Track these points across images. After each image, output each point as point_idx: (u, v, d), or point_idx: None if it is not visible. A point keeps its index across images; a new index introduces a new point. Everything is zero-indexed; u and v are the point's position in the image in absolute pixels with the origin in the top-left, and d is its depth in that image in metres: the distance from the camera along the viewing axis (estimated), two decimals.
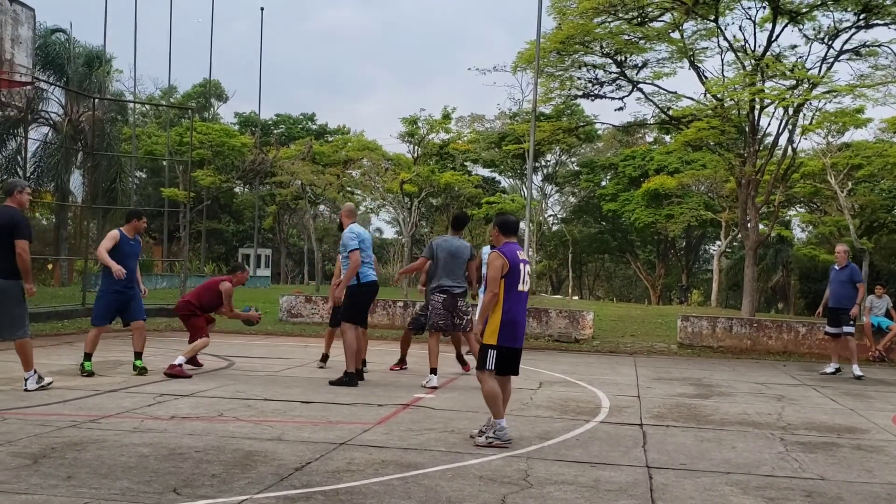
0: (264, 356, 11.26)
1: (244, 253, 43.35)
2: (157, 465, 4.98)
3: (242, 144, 37.43)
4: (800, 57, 19.55)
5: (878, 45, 18.29)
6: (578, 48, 19.59)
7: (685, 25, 19.17)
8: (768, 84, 18.88)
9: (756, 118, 19.27)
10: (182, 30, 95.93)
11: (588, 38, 19.32)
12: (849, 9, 17.81)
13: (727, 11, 18.92)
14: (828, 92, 18.37)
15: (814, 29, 18.91)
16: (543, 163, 43.82)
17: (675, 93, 20.77)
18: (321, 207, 46.00)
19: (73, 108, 31.29)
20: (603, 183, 43.63)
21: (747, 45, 19.18)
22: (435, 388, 8.67)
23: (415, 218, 32.91)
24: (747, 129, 19.38)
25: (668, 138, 40.06)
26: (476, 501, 4.49)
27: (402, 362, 10.23)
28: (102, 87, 32.02)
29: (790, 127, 19.22)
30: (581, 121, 33.64)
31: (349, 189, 36.69)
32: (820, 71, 18.65)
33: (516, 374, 6.11)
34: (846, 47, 18.58)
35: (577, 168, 45.63)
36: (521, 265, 5.98)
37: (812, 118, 19.96)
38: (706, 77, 19.82)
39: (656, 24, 19.38)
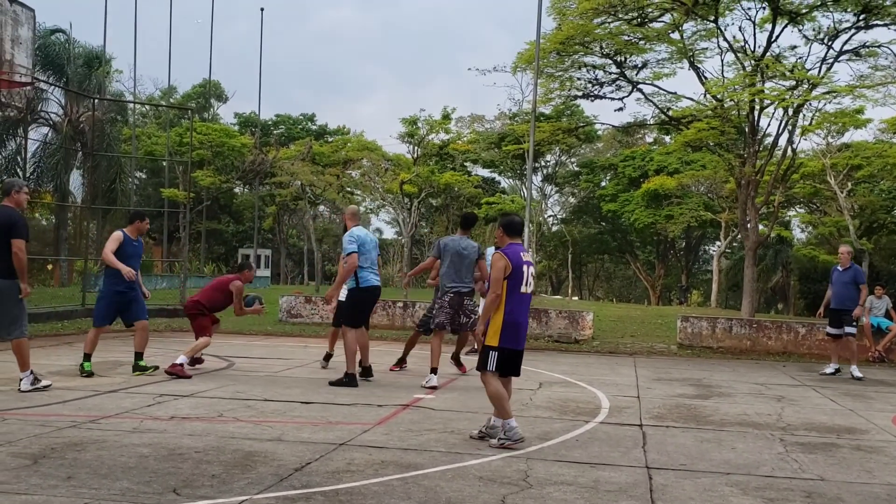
0: (264, 357, 11.26)
1: (244, 253, 43.35)
2: (156, 466, 4.98)
3: (242, 145, 37.43)
4: (799, 57, 19.57)
5: (878, 46, 18.30)
6: (578, 49, 19.59)
7: (685, 26, 19.18)
8: (768, 85, 18.88)
9: (756, 119, 19.27)
10: (182, 30, 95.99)
11: (588, 39, 19.32)
12: (848, 9, 17.82)
13: (727, 12, 18.93)
14: (827, 92, 18.38)
15: (813, 29, 18.92)
16: (543, 163, 43.85)
17: (675, 93, 20.79)
18: (321, 208, 46.03)
19: (73, 108, 31.29)
20: (603, 183, 43.65)
21: (747, 46, 19.19)
22: (435, 387, 8.68)
23: (414, 218, 32.94)
24: (747, 130, 19.38)
25: (667, 139, 40.07)
26: (476, 502, 4.49)
27: (402, 362, 10.25)
28: (102, 87, 32.02)
29: (790, 127, 19.22)
30: (581, 121, 33.63)
31: (349, 189, 36.72)
32: (820, 71, 18.65)
33: (517, 375, 6.11)
34: (846, 48, 18.59)
35: (576, 168, 45.65)
36: (525, 267, 5.96)
37: (812, 119, 19.96)
38: (706, 78, 19.83)
39: (656, 25, 19.39)
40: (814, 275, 27.96)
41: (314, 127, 50.63)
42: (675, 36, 19.29)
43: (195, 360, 9.46)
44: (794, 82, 18.57)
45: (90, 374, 8.59)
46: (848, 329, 11.40)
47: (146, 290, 9.08)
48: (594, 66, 20.60)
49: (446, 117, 39.70)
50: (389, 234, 57.50)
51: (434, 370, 8.90)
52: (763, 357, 13.76)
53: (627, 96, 21.02)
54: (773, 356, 13.85)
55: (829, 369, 11.63)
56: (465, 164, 42.98)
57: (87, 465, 4.95)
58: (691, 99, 20.91)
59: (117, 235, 8.80)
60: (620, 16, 18.97)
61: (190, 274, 27.32)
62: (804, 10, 18.33)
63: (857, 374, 11.17)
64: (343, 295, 9.31)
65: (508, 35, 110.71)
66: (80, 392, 7.62)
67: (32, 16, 12.06)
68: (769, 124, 36.39)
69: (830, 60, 18.69)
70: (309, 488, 4.61)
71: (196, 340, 9.27)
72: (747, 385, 10.11)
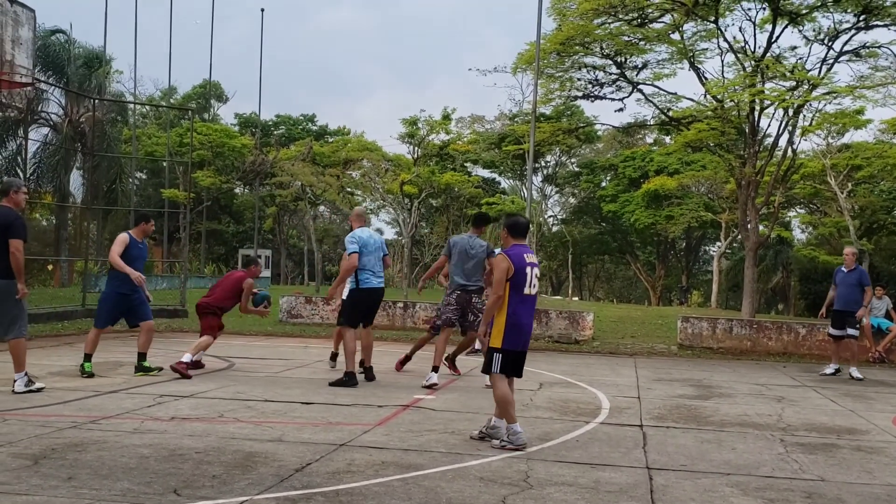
0: (264, 357, 11.26)
1: (244, 254, 43.34)
2: (157, 466, 4.98)
3: (243, 145, 37.45)
4: (800, 58, 19.59)
5: (878, 47, 18.31)
6: (578, 49, 19.60)
7: (685, 27, 19.19)
8: (768, 85, 18.90)
9: (756, 119, 19.28)
10: (182, 31, 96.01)
11: (588, 40, 19.33)
12: (849, 10, 17.83)
13: (727, 13, 18.94)
14: (828, 93, 18.39)
15: (814, 30, 18.94)
16: (543, 164, 43.85)
17: (675, 94, 20.81)
18: (321, 208, 46.02)
19: (73, 108, 31.29)
20: (603, 184, 43.67)
21: (747, 47, 19.20)
22: (435, 384, 8.70)
23: (415, 219, 32.90)
24: (747, 131, 19.39)
25: (668, 139, 40.09)
26: (476, 502, 4.49)
27: (406, 360, 10.20)
28: (102, 87, 32.03)
29: (790, 128, 19.24)
30: (581, 122, 33.70)
31: (349, 190, 36.72)
32: (820, 72, 18.67)
33: (519, 376, 6.11)
34: (846, 48, 18.60)
35: (577, 169, 45.66)
36: (528, 268, 5.95)
37: (812, 119, 19.98)
38: (706, 78, 19.85)
39: (656, 26, 19.40)
40: (814, 275, 27.96)
41: (314, 127, 50.66)
42: (676, 36, 19.31)
43: (196, 364, 9.47)
44: (794, 83, 18.58)
45: (91, 375, 8.59)
46: (850, 331, 11.39)
47: (148, 294, 9.10)
48: (594, 67, 20.62)
49: (446, 118, 39.72)
50: (389, 234, 57.52)
51: (436, 368, 8.92)
52: (763, 358, 13.77)
53: (628, 97, 21.07)
54: (774, 357, 13.85)
55: (829, 370, 11.63)
56: (466, 164, 43.01)
57: (88, 465, 4.96)
58: (691, 99, 20.95)
59: (123, 238, 8.79)
60: (621, 16, 18.98)
61: (190, 274, 27.33)
62: (804, 11, 18.35)
63: (857, 374, 11.17)
64: (346, 295, 9.35)
65: (509, 35, 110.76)
66: (81, 392, 7.62)
67: (33, 16, 12.07)
68: (769, 125, 36.33)
69: (830, 61, 18.71)
70: (309, 489, 4.61)
71: (199, 339, 9.32)
72: (748, 386, 10.11)
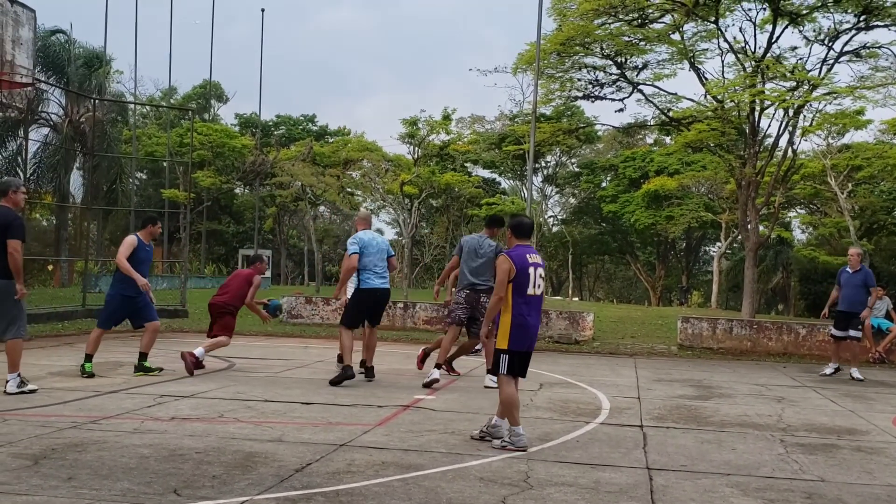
0: (264, 357, 11.26)
1: (244, 254, 43.35)
2: (157, 467, 4.98)
3: (243, 146, 37.46)
4: (800, 58, 19.60)
5: (879, 47, 18.32)
6: (579, 49, 19.61)
7: (685, 27, 19.19)
8: (768, 86, 18.90)
9: (756, 120, 19.28)
10: (182, 31, 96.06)
11: (588, 40, 19.34)
12: (849, 10, 17.83)
13: (727, 13, 18.95)
14: (828, 93, 18.39)
15: (814, 30, 18.94)
16: (544, 164, 43.88)
17: (676, 94, 20.82)
18: (321, 209, 46.03)
19: (74, 109, 31.30)
20: (603, 184, 43.67)
21: (747, 47, 19.21)
22: (437, 380, 8.73)
23: (415, 219, 32.90)
24: (747, 131, 19.40)
25: (668, 140, 40.10)
26: (477, 503, 4.49)
27: (426, 356, 10.14)
28: (103, 88, 32.04)
29: (790, 128, 19.24)
30: (581, 122, 33.70)
31: (349, 190, 36.73)
32: (820, 72, 18.67)
33: (524, 376, 6.12)
34: (846, 49, 18.61)
35: (577, 169, 45.67)
36: (532, 268, 5.94)
37: (812, 120, 19.98)
38: (706, 78, 19.85)
39: (657, 26, 19.41)
40: (814, 276, 27.96)
41: (315, 128, 50.66)
42: (676, 37, 19.31)
43: (198, 365, 9.49)
44: (794, 83, 18.59)
45: (91, 375, 8.59)
46: (853, 332, 11.38)
47: (152, 296, 9.12)
48: (595, 67, 20.62)
49: (447, 118, 39.73)
50: (390, 234, 57.55)
51: (439, 366, 8.93)
52: (763, 358, 13.76)
53: (628, 97, 21.07)
54: (774, 357, 13.85)
55: (829, 369, 11.63)
56: (466, 164, 43.02)
57: (88, 465, 4.96)
58: (692, 100, 20.96)
59: (131, 240, 8.79)
60: (621, 17, 18.99)
61: (190, 275, 27.33)
62: (805, 11, 18.35)
63: (858, 375, 11.16)
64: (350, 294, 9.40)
65: (509, 35, 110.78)
66: (81, 392, 7.62)
67: (33, 16, 12.08)
68: (769, 125, 36.29)
69: (831, 61, 18.72)
70: (310, 489, 4.61)
71: (217, 338, 9.50)
72: (748, 386, 10.11)
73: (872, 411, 8.41)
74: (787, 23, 18.56)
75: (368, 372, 9.16)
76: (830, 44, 18.65)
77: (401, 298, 20.20)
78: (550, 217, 47.77)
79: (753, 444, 6.41)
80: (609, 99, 21.26)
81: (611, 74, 20.75)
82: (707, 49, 20.00)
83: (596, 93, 21.18)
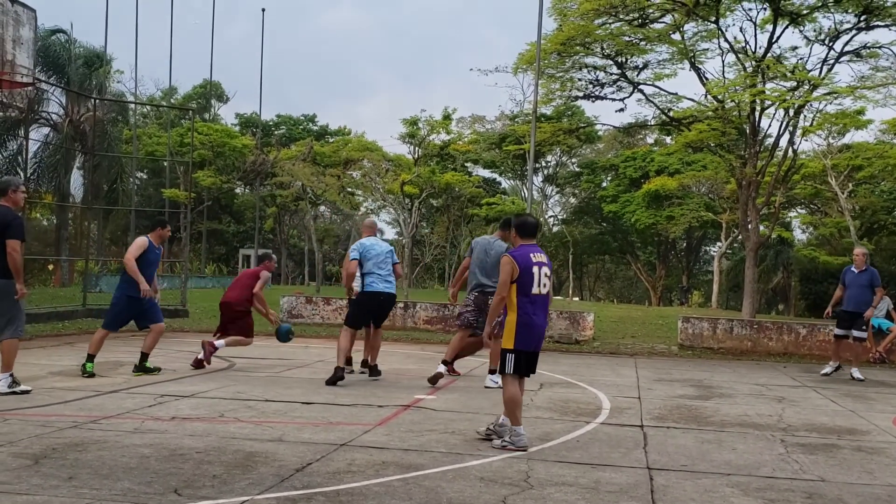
0: (265, 357, 11.26)
1: (245, 254, 43.38)
2: (158, 466, 4.98)
3: (243, 145, 37.47)
4: (800, 58, 19.61)
5: (879, 47, 18.33)
6: (579, 49, 19.61)
7: (686, 27, 19.20)
8: (769, 85, 18.90)
9: (757, 119, 19.29)
10: (183, 30, 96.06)
11: (589, 40, 19.34)
12: (849, 10, 17.83)
13: (728, 13, 18.95)
14: (828, 93, 18.40)
15: (814, 30, 18.95)
16: (544, 164, 43.89)
17: (676, 94, 20.84)
18: (322, 208, 46.03)
19: (74, 108, 31.32)
20: (603, 184, 43.69)
21: (748, 47, 19.21)
22: (441, 375, 8.79)
23: (415, 219, 32.91)
24: (748, 131, 19.40)
25: (668, 139, 40.10)
26: (477, 503, 4.49)
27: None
28: (103, 87, 32.07)
29: (791, 128, 19.25)
30: (582, 122, 33.70)
31: (350, 190, 36.75)
32: (820, 72, 18.67)
33: (533, 373, 6.12)
34: (847, 49, 18.62)
35: (577, 169, 45.68)
36: (537, 267, 5.94)
37: (813, 120, 19.99)
38: (707, 78, 19.86)
39: (657, 26, 19.41)
40: (815, 276, 27.97)
41: (315, 127, 50.69)
42: (676, 37, 19.31)
43: (199, 364, 9.50)
44: (794, 83, 18.59)
45: (91, 375, 8.58)
46: (856, 333, 11.37)
47: (158, 297, 9.15)
48: (595, 67, 20.63)
49: (447, 118, 39.72)
50: (390, 234, 57.56)
51: (445, 363, 8.94)
52: (764, 358, 13.76)
53: (628, 97, 21.09)
54: (774, 357, 13.85)
55: (829, 369, 11.62)
56: (466, 164, 43.02)
57: (89, 465, 4.96)
58: (692, 100, 20.97)
59: (142, 242, 8.80)
60: (621, 17, 18.99)
61: (191, 274, 27.33)
62: (805, 11, 18.35)
63: (858, 375, 11.15)
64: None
65: (509, 35, 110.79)
66: (82, 392, 7.62)
67: (34, 16, 12.07)
68: (770, 125, 36.26)
69: (831, 61, 18.72)
70: (310, 489, 4.61)
71: (238, 337, 9.72)
72: (748, 386, 10.11)
73: (873, 411, 8.40)
74: (787, 23, 18.56)
75: (372, 370, 9.18)
76: (831, 44, 18.66)
77: (401, 298, 20.19)
78: (551, 217, 47.80)
79: (754, 444, 6.40)
80: (609, 99, 21.29)
81: (611, 74, 20.77)
82: (707, 49, 20.03)
83: (596, 93, 21.19)
